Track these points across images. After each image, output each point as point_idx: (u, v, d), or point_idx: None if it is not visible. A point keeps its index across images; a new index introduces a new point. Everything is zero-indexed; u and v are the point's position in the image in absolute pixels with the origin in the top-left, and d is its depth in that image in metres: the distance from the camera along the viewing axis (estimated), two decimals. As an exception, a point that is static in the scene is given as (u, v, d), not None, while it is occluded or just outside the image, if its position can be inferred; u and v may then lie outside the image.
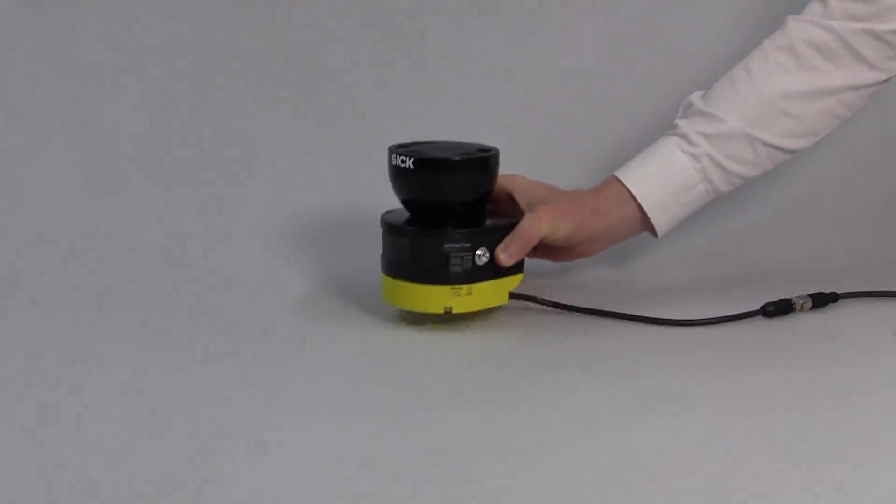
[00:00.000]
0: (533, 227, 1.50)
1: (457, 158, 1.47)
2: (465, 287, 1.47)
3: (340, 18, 1.87)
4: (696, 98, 1.58)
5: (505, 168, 1.53)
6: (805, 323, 1.54)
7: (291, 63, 1.87)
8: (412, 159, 1.45)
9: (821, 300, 1.57)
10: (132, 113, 1.85)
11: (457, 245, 1.46)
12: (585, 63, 1.88)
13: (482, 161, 1.49)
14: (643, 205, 1.54)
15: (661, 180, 1.54)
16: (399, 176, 1.47)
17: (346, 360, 1.42)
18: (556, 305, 1.55)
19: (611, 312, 1.55)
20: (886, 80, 1.56)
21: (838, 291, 1.59)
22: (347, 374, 1.38)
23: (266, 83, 1.87)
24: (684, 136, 1.55)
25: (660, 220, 1.56)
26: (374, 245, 1.53)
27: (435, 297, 1.47)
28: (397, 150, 1.48)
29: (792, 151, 1.57)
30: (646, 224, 1.57)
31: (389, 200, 1.53)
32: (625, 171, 1.56)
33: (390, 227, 1.48)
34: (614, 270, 1.73)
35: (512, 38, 1.88)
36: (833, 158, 1.87)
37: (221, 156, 1.84)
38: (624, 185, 1.55)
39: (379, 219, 1.51)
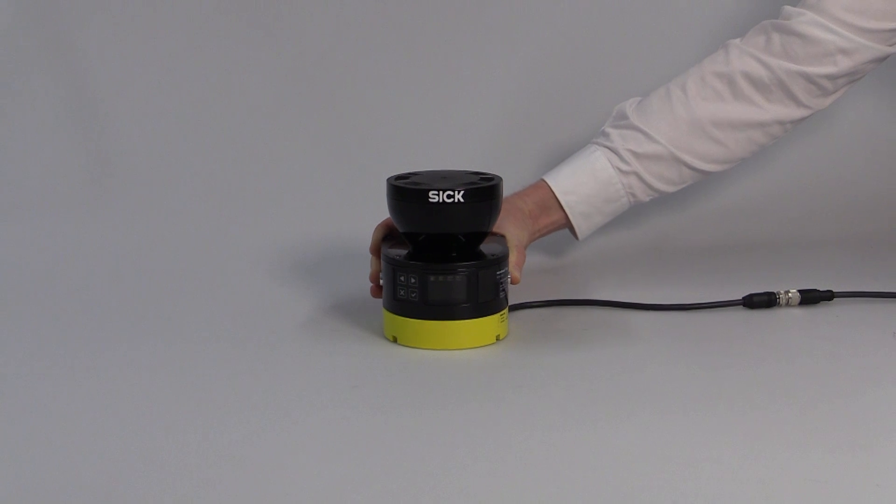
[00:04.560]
0: (522, 240, 1.56)
1: (494, 185, 1.44)
2: (505, 311, 1.46)
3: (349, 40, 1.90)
4: (630, 109, 1.62)
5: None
6: (786, 317, 1.54)
7: (298, 85, 1.90)
8: (461, 192, 1.41)
9: (813, 297, 1.57)
10: (136, 133, 1.88)
11: (502, 270, 1.45)
12: (540, 68, 1.92)
13: (500, 185, 1.47)
14: (570, 214, 1.62)
15: (588, 192, 1.61)
16: (443, 211, 1.41)
17: (348, 367, 1.42)
18: (549, 304, 1.58)
19: (600, 301, 1.58)
20: (810, 116, 1.63)
21: (835, 290, 1.58)
22: (349, 381, 1.38)
23: (274, 109, 1.89)
24: (615, 151, 1.61)
25: (582, 228, 1.64)
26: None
27: (487, 329, 1.44)
28: (432, 188, 1.41)
29: (709, 174, 1.64)
30: (569, 227, 1.64)
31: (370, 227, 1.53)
32: (555, 178, 1.62)
33: (432, 269, 1.42)
34: (606, 258, 1.76)
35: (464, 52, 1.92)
36: (835, 155, 1.88)
37: (226, 176, 1.87)
38: (553, 194, 1.61)
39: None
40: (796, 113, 1.60)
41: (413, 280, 1.42)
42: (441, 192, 1.41)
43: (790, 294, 1.55)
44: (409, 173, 1.48)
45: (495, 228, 1.49)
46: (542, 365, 1.40)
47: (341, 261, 1.72)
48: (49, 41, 1.86)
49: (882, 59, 1.59)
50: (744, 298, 1.55)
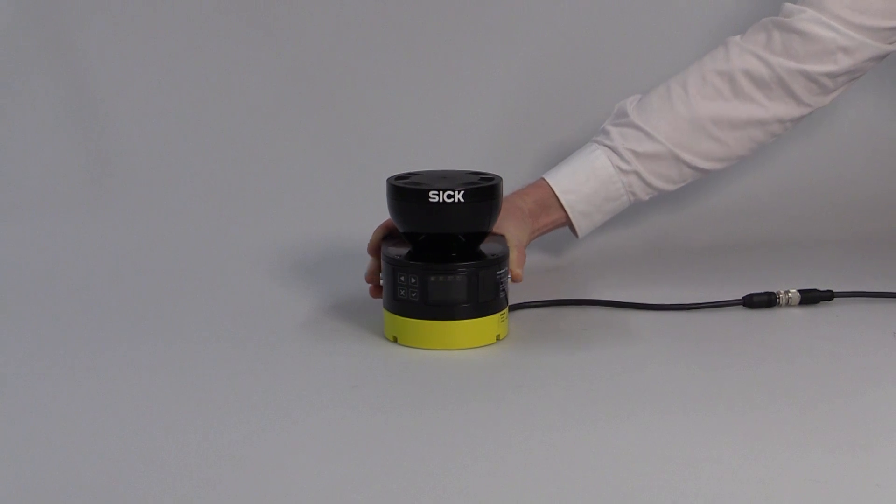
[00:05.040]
0: (522, 240, 1.56)
1: (494, 185, 1.44)
2: (505, 311, 1.46)
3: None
4: (630, 106, 1.63)
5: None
6: (786, 317, 1.54)
7: (298, 85, 1.89)
8: (461, 192, 1.41)
9: (813, 297, 1.57)
10: (136, 133, 1.88)
11: (502, 270, 1.45)
12: (540, 67, 1.92)
13: (500, 185, 1.47)
14: (570, 213, 1.62)
15: (588, 191, 1.62)
16: (443, 211, 1.41)
17: (348, 367, 1.42)
18: (549, 304, 1.58)
19: (600, 301, 1.58)
20: (810, 114, 1.62)
21: (835, 290, 1.58)
22: (349, 381, 1.38)
23: (274, 111, 1.89)
24: (615, 150, 1.61)
25: (583, 227, 1.64)
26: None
27: (487, 329, 1.44)
28: (432, 188, 1.41)
29: (709, 172, 1.64)
30: (570, 226, 1.65)
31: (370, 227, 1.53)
32: (555, 177, 1.62)
33: (432, 269, 1.42)
34: (606, 258, 1.77)
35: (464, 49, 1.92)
36: (835, 155, 1.88)
37: (226, 176, 1.87)
38: (553, 193, 1.61)
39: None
40: (796, 111, 1.60)
41: (413, 280, 1.42)
42: (441, 192, 1.41)
43: (790, 294, 1.56)
44: (409, 173, 1.48)
45: (495, 228, 1.49)
46: (542, 365, 1.40)
47: (341, 261, 1.72)
48: (49, 41, 1.86)
49: (882, 58, 1.59)
50: (744, 298, 1.55)
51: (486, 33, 1.90)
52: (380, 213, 1.47)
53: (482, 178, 1.46)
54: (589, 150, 1.63)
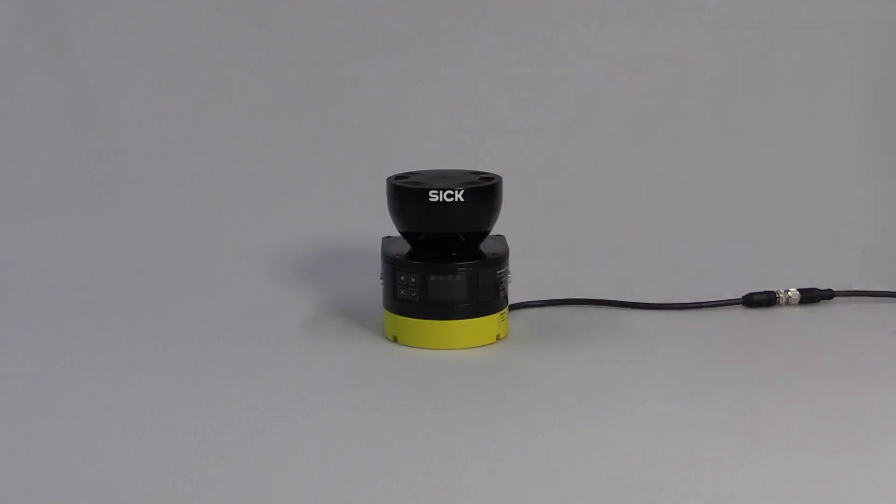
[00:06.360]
0: None
1: (494, 184, 1.44)
2: (505, 311, 1.46)
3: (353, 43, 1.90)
4: None
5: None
6: (786, 316, 1.55)
7: (298, 85, 1.89)
8: (461, 192, 1.41)
9: (813, 296, 1.57)
10: (136, 133, 1.88)
11: (502, 270, 1.45)
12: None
13: (500, 185, 1.47)
14: None
15: None
16: (443, 211, 1.41)
17: (348, 367, 1.42)
18: (549, 303, 1.58)
19: (600, 301, 1.58)
20: None
21: (835, 289, 1.58)
22: (349, 381, 1.38)
23: (274, 111, 1.89)
24: None
25: None
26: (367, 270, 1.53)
27: (487, 329, 1.45)
28: (432, 187, 1.41)
29: None
30: None
31: (376, 229, 1.53)
32: None
33: (432, 269, 1.42)
34: (606, 257, 1.77)
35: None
36: (839, 153, 1.87)
37: (226, 176, 1.87)
38: None
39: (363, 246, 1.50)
40: None
41: (413, 280, 1.42)
42: (441, 192, 1.41)
43: (790, 293, 1.56)
44: (409, 173, 1.48)
45: None
46: (542, 365, 1.41)
47: (341, 261, 1.72)
48: (49, 41, 1.86)
49: None
50: (744, 297, 1.56)
51: (486, 33, 1.90)
52: (380, 213, 1.48)
53: (482, 178, 1.46)
54: None
